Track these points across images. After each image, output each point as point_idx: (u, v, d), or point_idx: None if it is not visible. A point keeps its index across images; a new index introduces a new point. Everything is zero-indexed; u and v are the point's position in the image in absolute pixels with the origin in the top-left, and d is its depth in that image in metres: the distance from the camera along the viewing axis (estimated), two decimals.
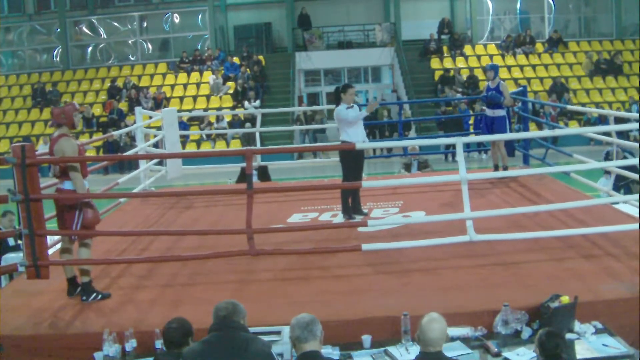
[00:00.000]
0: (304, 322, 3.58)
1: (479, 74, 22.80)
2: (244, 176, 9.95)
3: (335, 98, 7.81)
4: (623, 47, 24.47)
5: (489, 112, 9.52)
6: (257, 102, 21.77)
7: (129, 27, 26.25)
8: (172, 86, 23.85)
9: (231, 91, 22.85)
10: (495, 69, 9.81)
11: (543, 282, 5.38)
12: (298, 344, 3.57)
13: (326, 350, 4.52)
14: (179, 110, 19.05)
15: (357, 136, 7.54)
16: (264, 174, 11.60)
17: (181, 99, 23.16)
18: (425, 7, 26.05)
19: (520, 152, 10.68)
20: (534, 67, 23.60)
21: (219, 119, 21.34)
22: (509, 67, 23.53)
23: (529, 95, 12.55)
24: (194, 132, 20.31)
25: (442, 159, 17.88)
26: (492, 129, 9.39)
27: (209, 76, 23.66)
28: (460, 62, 23.88)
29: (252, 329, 4.05)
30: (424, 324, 3.73)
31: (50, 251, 6.14)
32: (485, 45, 24.88)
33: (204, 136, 20.94)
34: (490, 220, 6.69)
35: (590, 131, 10.57)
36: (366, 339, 4.71)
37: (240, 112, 20.77)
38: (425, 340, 3.69)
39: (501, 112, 9.45)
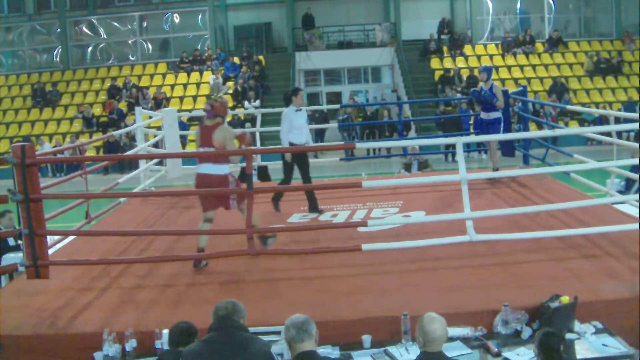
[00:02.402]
0: (299, 322, 3.59)
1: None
2: (244, 176, 9.95)
3: (285, 101, 8.37)
4: (623, 47, 24.48)
5: (484, 115, 9.41)
6: (257, 102, 21.77)
7: (129, 27, 26.26)
8: (172, 86, 23.86)
9: (231, 91, 22.85)
10: (488, 70, 9.61)
11: (543, 282, 5.38)
12: (294, 344, 3.57)
13: (326, 350, 4.53)
14: (179, 110, 19.03)
15: (302, 137, 8.25)
16: (264, 174, 11.60)
17: (181, 99, 23.16)
18: (425, 7, 26.05)
19: (520, 152, 10.67)
20: (534, 67, 23.60)
21: None
22: (509, 67, 23.55)
23: (529, 95, 12.53)
24: (194, 132, 20.27)
25: (442, 158, 17.92)
26: (487, 131, 9.27)
27: (209, 76, 23.67)
28: (460, 62, 23.89)
29: (252, 329, 4.05)
30: (424, 324, 3.73)
31: (51, 251, 6.15)
32: (485, 45, 24.90)
33: None
34: (490, 220, 6.69)
35: (590, 131, 10.56)
36: (366, 339, 4.71)
37: (240, 112, 20.77)
38: (426, 340, 3.70)
39: (496, 115, 9.33)
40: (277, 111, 18.96)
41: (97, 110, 23.06)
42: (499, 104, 9.31)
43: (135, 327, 4.87)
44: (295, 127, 8.15)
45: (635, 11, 23.63)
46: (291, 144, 8.19)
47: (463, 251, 6.21)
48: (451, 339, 4.55)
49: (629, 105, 20.80)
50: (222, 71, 23.75)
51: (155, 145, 11.38)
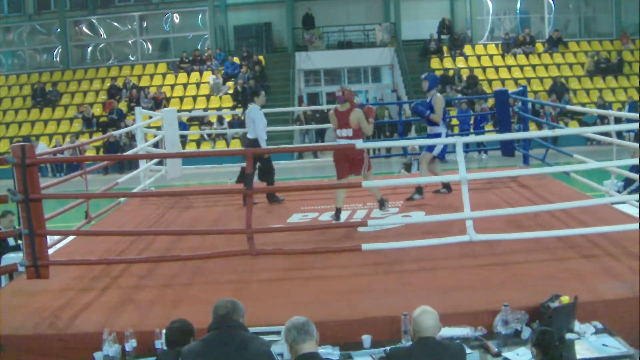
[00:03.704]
0: (300, 323, 3.59)
1: (479, 74, 22.85)
2: (244, 176, 9.97)
3: (248, 100, 9.08)
4: (623, 47, 24.47)
5: (428, 129, 8.66)
6: None
7: (129, 27, 26.25)
8: (172, 86, 23.85)
9: (231, 91, 22.84)
10: (430, 79, 8.53)
11: (543, 282, 5.37)
12: (295, 346, 3.56)
13: (326, 350, 4.52)
14: (179, 110, 19.04)
15: (265, 132, 8.76)
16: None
17: (181, 99, 23.16)
18: (425, 7, 26.06)
19: (520, 152, 10.66)
20: (534, 67, 23.60)
21: (220, 121, 21.30)
22: (509, 67, 23.54)
23: (529, 95, 12.52)
24: (194, 132, 20.30)
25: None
26: (427, 147, 8.59)
27: (209, 76, 23.66)
28: (460, 62, 23.89)
29: (252, 329, 4.05)
30: (417, 316, 3.85)
31: (51, 251, 6.14)
32: (485, 45, 24.89)
33: (205, 136, 20.94)
34: (490, 220, 6.69)
35: (590, 131, 10.56)
36: (366, 339, 4.71)
37: (240, 112, 20.74)
38: (419, 330, 3.81)
39: (437, 130, 8.45)
40: (277, 111, 19.26)
41: (97, 110, 23.05)
42: (434, 117, 8.34)
43: (135, 327, 4.87)
44: (263, 125, 8.73)
45: (635, 11, 23.62)
46: (259, 139, 8.70)
47: (463, 251, 6.21)
48: (451, 339, 4.56)
49: (633, 104, 20.73)
50: (222, 71, 23.74)
51: (155, 145, 11.38)
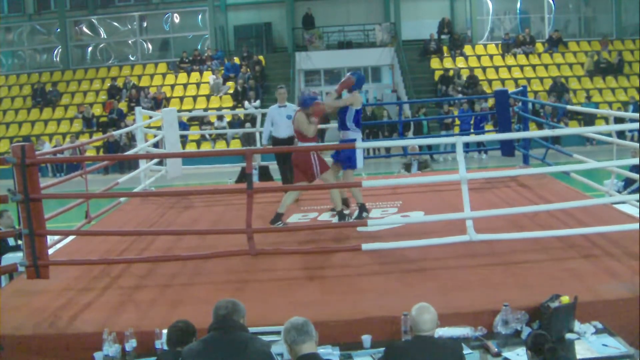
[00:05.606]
0: (299, 324, 3.58)
1: (479, 74, 22.85)
2: (244, 176, 9.99)
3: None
4: (623, 47, 24.47)
5: (341, 135, 7.70)
6: (257, 102, 21.77)
7: (129, 27, 26.26)
8: (172, 86, 23.86)
9: (231, 91, 22.85)
10: (353, 79, 7.54)
11: (543, 282, 5.38)
12: (295, 347, 3.55)
13: (326, 350, 4.52)
14: (179, 110, 19.04)
15: (283, 131, 8.90)
16: (265, 173, 11.61)
17: (181, 99, 23.16)
18: (425, 7, 26.06)
19: (520, 152, 10.66)
20: (534, 67, 23.60)
21: (219, 119, 21.32)
22: (509, 67, 23.54)
23: (529, 95, 12.51)
24: (194, 132, 20.31)
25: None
26: (338, 155, 7.64)
27: (209, 76, 23.67)
28: (460, 62, 23.89)
29: (252, 329, 4.05)
30: (415, 314, 3.86)
31: (51, 251, 6.14)
32: (485, 45, 24.90)
33: (205, 136, 20.94)
34: (490, 220, 6.69)
35: (590, 131, 10.55)
36: (366, 339, 4.71)
37: (240, 112, 20.77)
38: (417, 326, 3.84)
39: (350, 135, 7.53)
40: None
41: (97, 110, 23.06)
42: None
43: (135, 327, 4.87)
44: (274, 122, 9.06)
45: (635, 11, 23.63)
46: (273, 137, 9.05)
47: (463, 251, 6.21)
48: (451, 339, 4.56)
49: (636, 105, 20.68)
50: (222, 71, 23.74)
51: (155, 145, 11.38)
